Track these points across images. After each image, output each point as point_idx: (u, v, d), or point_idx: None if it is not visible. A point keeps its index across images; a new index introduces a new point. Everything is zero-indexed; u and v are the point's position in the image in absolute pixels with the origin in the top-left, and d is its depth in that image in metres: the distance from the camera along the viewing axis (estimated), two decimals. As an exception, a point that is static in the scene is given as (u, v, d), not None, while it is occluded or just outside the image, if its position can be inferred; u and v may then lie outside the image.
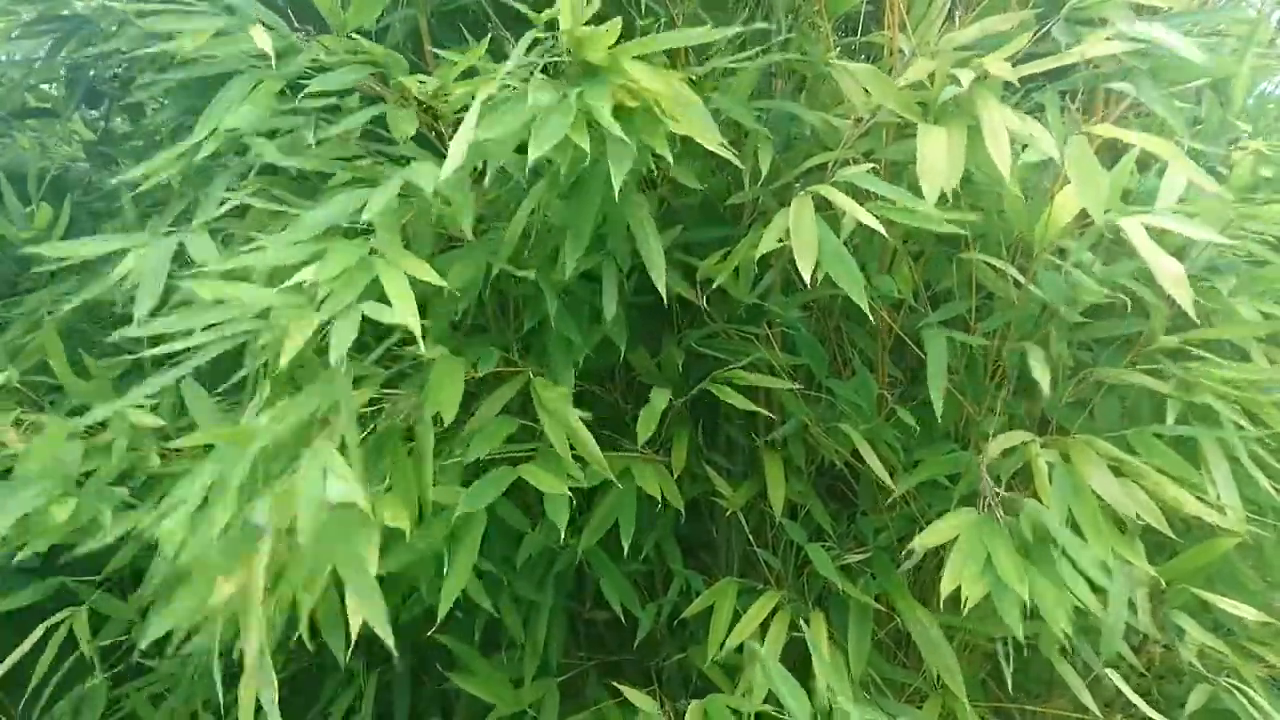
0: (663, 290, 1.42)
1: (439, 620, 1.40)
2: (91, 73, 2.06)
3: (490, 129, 1.23)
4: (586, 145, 1.22)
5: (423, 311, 1.41)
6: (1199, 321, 1.41)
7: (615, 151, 1.24)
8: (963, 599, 1.34)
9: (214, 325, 1.23)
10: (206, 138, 1.42)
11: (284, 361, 1.14)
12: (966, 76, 1.32)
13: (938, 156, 1.31)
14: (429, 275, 1.25)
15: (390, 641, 1.12)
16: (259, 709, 1.15)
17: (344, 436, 1.18)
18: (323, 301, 1.20)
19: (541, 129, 1.21)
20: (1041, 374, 1.43)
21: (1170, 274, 1.29)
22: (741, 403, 1.58)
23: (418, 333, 1.18)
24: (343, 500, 1.10)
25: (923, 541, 1.42)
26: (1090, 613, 1.39)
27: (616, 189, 1.23)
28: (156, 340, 1.22)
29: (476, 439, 1.44)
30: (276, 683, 1.61)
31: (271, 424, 1.16)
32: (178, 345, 1.23)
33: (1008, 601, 1.34)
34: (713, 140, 1.30)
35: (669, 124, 1.27)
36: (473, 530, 1.42)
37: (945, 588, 1.36)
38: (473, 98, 1.25)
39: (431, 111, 1.46)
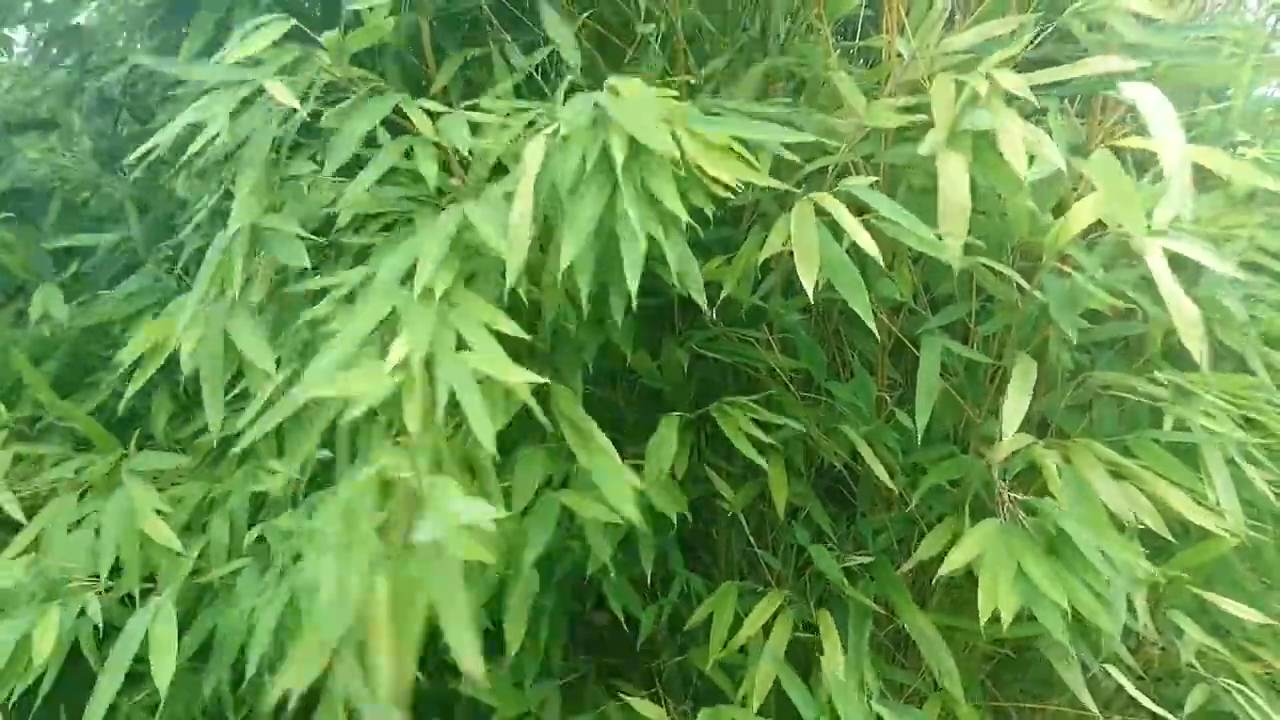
0: (702, 301, 1.41)
1: (509, 654, 1.44)
2: (100, 83, 2.06)
3: (571, 241, 1.23)
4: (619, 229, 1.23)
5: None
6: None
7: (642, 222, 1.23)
8: (982, 611, 1.34)
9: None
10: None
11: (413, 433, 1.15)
12: (983, 87, 1.31)
13: (961, 193, 1.28)
14: (504, 324, 1.25)
15: (480, 671, 1.11)
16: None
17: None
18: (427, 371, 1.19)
19: (577, 219, 1.23)
20: (1024, 386, 1.42)
21: (1186, 317, 1.28)
22: (745, 441, 1.57)
23: (521, 388, 1.19)
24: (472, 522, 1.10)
25: (953, 560, 1.42)
26: (1092, 614, 1.40)
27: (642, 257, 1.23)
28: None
29: (516, 475, 1.44)
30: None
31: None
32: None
33: (1048, 611, 1.34)
34: (759, 175, 1.30)
35: (711, 185, 1.27)
36: (526, 564, 1.44)
37: (984, 606, 1.35)
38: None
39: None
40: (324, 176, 1.43)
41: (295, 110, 1.37)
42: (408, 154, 1.42)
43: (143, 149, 1.42)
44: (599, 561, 1.48)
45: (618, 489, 1.38)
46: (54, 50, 1.97)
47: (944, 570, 1.43)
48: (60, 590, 1.42)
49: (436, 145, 1.43)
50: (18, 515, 1.52)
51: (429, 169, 1.38)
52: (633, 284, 1.23)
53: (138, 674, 1.74)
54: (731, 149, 1.28)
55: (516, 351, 1.55)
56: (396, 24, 1.43)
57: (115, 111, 2.12)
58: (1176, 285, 1.28)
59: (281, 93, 1.36)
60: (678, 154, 1.23)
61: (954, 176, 1.30)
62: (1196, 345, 1.28)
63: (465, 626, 1.11)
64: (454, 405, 1.26)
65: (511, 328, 1.25)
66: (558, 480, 1.50)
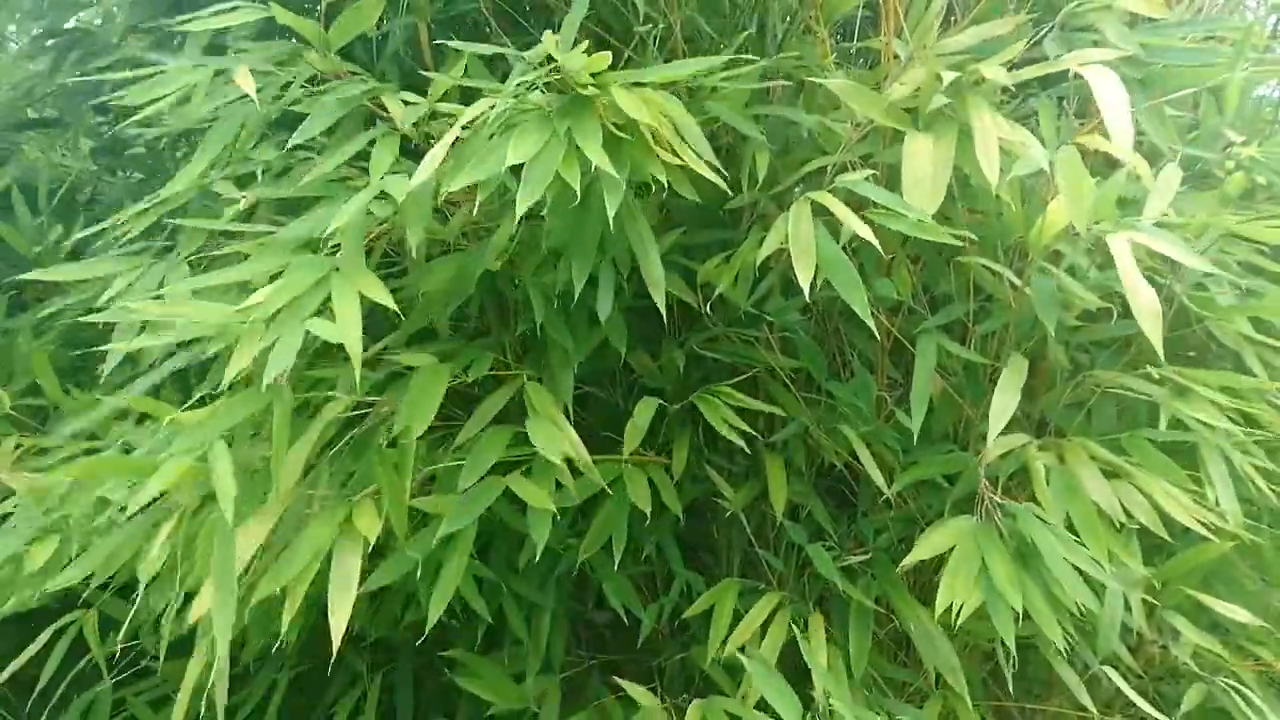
0: (661, 304, 1.43)
1: (427, 628, 1.42)
2: (97, 83, 2.08)
3: (475, 172, 1.25)
4: (577, 184, 1.24)
5: (416, 313, 1.43)
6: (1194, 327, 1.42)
7: (607, 185, 1.25)
8: (954, 608, 1.35)
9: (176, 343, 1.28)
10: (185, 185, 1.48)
11: (228, 375, 1.18)
12: (951, 77, 1.32)
13: (923, 166, 1.31)
14: (383, 296, 1.27)
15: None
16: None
17: (275, 436, 1.22)
18: (271, 320, 1.23)
19: (532, 170, 1.24)
20: (1013, 385, 1.43)
21: (1145, 307, 1.29)
22: (728, 424, 1.58)
23: (355, 353, 1.21)
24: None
25: (919, 553, 1.43)
26: (1088, 614, 1.40)
27: (610, 220, 1.25)
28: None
29: (473, 453, 1.44)
30: (283, 682, 1.64)
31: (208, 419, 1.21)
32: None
33: (1001, 610, 1.35)
34: (705, 167, 1.31)
35: (661, 152, 1.28)
36: (462, 540, 1.43)
37: (941, 600, 1.37)
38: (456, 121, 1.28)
39: (420, 131, 1.47)
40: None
41: (274, 99, 1.40)
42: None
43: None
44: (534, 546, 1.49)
45: (551, 441, 1.42)
46: (54, 50, 2.00)
47: (909, 560, 1.44)
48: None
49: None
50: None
51: (387, 157, 1.40)
52: (612, 209, 1.24)
53: (143, 669, 1.78)
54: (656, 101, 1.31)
55: (505, 351, 1.58)
56: (385, 17, 1.45)
57: (114, 112, 2.14)
58: (1140, 277, 1.29)
59: (245, 79, 1.39)
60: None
61: (916, 153, 1.34)
62: (1155, 336, 1.29)
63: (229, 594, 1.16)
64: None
65: (384, 297, 1.28)
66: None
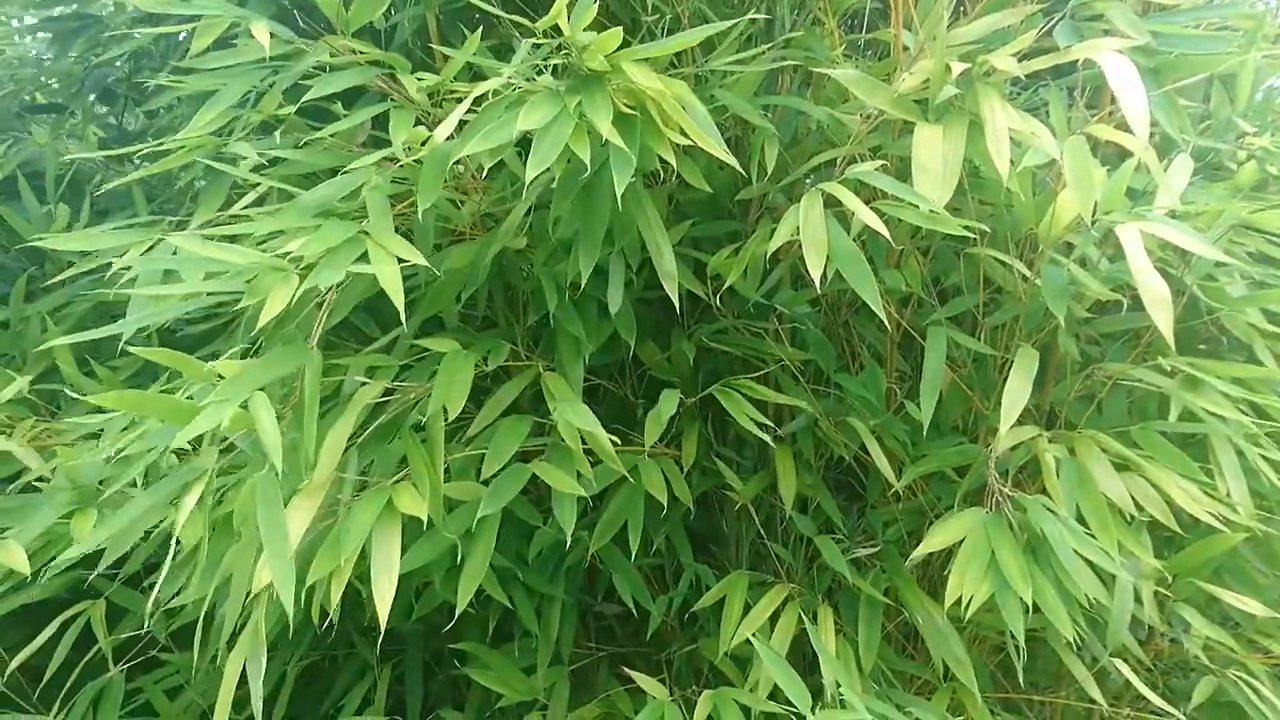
0: (675, 297, 1.42)
1: (456, 615, 1.41)
2: (103, 70, 2.09)
3: (485, 141, 1.25)
4: (587, 157, 1.23)
5: (426, 301, 1.42)
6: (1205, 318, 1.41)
7: (617, 161, 1.25)
8: (964, 600, 1.35)
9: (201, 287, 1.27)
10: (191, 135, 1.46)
11: (264, 318, 1.17)
12: (960, 68, 1.32)
13: (933, 158, 1.31)
14: (415, 257, 1.27)
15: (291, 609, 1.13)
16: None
17: (306, 398, 1.20)
18: (308, 268, 1.22)
19: (542, 142, 1.23)
20: (1024, 377, 1.43)
21: (1155, 295, 1.29)
22: (748, 416, 1.57)
23: (400, 306, 1.20)
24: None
25: (928, 545, 1.43)
26: (1098, 606, 1.40)
27: (619, 197, 1.24)
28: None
29: (494, 441, 1.44)
30: (293, 674, 1.64)
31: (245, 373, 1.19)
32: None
33: (1011, 602, 1.35)
34: (714, 145, 1.31)
35: (671, 132, 1.27)
36: (488, 526, 1.43)
37: (951, 591, 1.37)
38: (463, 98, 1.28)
39: (433, 116, 1.47)
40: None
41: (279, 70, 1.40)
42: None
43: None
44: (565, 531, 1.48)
45: (579, 419, 1.42)
46: (66, 38, 2.00)
47: (920, 551, 1.44)
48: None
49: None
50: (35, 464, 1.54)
51: (403, 127, 1.40)
52: (620, 187, 1.24)
53: (157, 660, 1.78)
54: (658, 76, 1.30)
55: (516, 342, 1.58)
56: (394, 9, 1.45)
57: (121, 102, 2.15)
58: (1149, 265, 1.29)
59: (262, 33, 1.40)
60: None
61: (925, 144, 1.34)
62: (1165, 324, 1.29)
63: (284, 555, 1.13)
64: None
65: (419, 258, 1.27)
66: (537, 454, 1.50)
